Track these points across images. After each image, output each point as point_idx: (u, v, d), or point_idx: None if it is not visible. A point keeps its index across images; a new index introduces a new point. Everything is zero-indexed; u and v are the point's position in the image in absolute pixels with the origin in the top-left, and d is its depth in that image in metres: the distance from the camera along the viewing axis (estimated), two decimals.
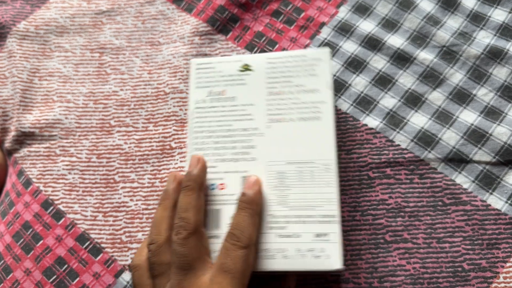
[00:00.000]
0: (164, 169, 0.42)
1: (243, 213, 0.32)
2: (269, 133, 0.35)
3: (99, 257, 0.40)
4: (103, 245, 0.40)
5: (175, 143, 0.43)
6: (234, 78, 0.38)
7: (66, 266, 0.40)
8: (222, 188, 0.34)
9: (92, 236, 0.40)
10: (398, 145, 0.40)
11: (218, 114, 0.37)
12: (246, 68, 0.38)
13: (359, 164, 0.40)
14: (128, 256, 0.39)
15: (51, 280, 0.39)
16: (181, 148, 0.42)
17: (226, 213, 0.34)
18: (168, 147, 0.43)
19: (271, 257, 0.32)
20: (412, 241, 0.38)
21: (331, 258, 0.32)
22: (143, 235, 0.40)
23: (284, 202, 0.33)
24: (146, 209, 0.41)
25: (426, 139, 0.40)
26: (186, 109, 0.44)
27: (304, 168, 0.34)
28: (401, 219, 0.38)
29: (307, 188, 0.34)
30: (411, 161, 0.40)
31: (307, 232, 0.33)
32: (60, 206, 0.41)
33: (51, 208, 0.41)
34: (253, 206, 0.32)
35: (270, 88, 0.37)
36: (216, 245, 0.33)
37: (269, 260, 0.32)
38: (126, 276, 0.39)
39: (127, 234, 0.40)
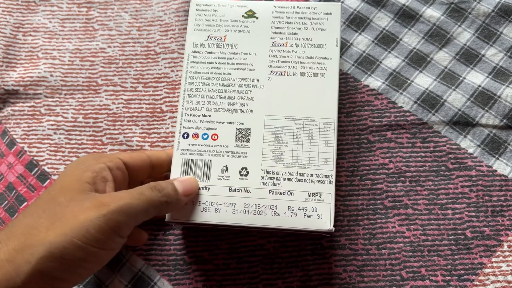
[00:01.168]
0: (154, 132, 0.40)
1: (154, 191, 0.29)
2: (269, 86, 0.34)
3: None
4: None
5: (166, 106, 0.40)
6: (237, 24, 0.35)
7: None
8: (214, 139, 0.33)
9: None
10: (401, 107, 0.38)
11: (216, 61, 0.35)
12: (250, 14, 0.35)
13: (359, 127, 0.38)
14: None
15: None
16: (173, 112, 0.40)
17: (217, 164, 0.32)
18: (158, 110, 0.40)
19: (261, 213, 0.31)
20: (412, 207, 0.36)
21: (322, 219, 0.31)
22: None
23: (279, 159, 0.32)
24: None
25: (430, 101, 0.38)
26: (178, 71, 0.41)
27: (303, 125, 0.32)
28: (401, 184, 0.37)
29: (305, 146, 0.32)
30: (414, 124, 0.38)
31: (300, 190, 0.31)
32: (45, 168, 0.39)
33: (36, 169, 0.39)
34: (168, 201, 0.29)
35: (274, 38, 0.35)
36: (205, 196, 0.31)
37: (259, 216, 0.31)
38: None
39: None
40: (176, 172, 0.32)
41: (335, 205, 0.31)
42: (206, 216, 0.31)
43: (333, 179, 0.31)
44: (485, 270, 0.34)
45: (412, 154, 0.37)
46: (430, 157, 0.37)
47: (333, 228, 0.30)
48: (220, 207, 0.31)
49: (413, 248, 0.35)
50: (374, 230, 0.36)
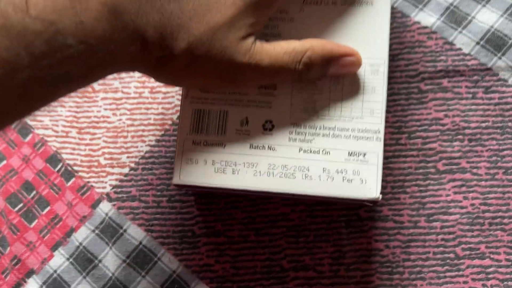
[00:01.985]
0: None
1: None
2: (300, 19, 0.27)
3: (70, 183, 0.32)
4: (76, 168, 0.33)
5: None
6: None
7: (34, 192, 0.33)
8: None
9: (64, 156, 0.33)
10: (459, 49, 0.32)
11: None
12: None
13: (408, 74, 0.32)
14: (106, 182, 0.32)
15: (16, 208, 0.32)
16: None
17: (235, 116, 0.27)
18: None
19: (290, 176, 0.26)
20: (471, 171, 0.31)
21: (366, 184, 0.26)
22: (128, 157, 0.32)
23: (312, 109, 0.27)
24: (132, 125, 0.33)
25: (496, 42, 0.32)
26: None
27: None
28: (459, 144, 0.31)
29: (345, 93, 0.26)
30: (475, 70, 0.32)
31: (339, 149, 0.26)
32: (27, 120, 0.34)
33: (17, 122, 0.33)
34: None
35: None
36: (220, 155, 0.27)
37: (287, 180, 0.26)
38: (105, 207, 0.32)
39: (107, 156, 0.32)
40: (185, 124, 0.27)
41: None
42: (221, 178, 0.26)
43: (381, 135, 0.26)
44: None
45: (473, 106, 0.31)
46: (495, 111, 0.31)
47: (380, 195, 0.25)
48: (238, 167, 0.26)
49: (471, 220, 0.30)
50: (424, 198, 0.31)
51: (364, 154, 0.26)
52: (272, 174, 0.26)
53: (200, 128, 0.27)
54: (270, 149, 0.27)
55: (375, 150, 0.26)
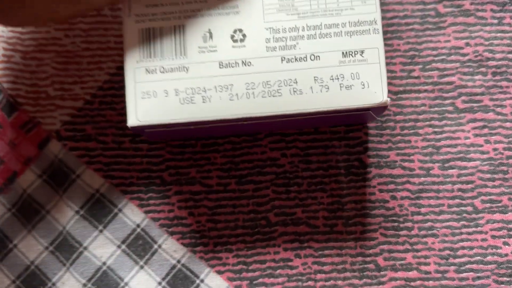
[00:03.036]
0: None
1: None
2: None
3: (13, 118, 0.28)
4: (19, 100, 0.28)
5: None
6: None
7: None
8: None
9: (5, 86, 0.28)
10: None
11: None
12: None
13: None
14: (56, 118, 0.27)
15: None
16: None
17: (194, 30, 0.23)
18: None
19: (274, 93, 0.23)
20: (495, 110, 0.27)
21: (369, 88, 0.22)
22: (82, 88, 0.27)
23: (290, 7, 0.23)
24: (87, 49, 0.28)
25: None
26: None
27: None
28: (481, 78, 0.27)
29: None
30: None
31: (330, 50, 0.23)
32: None
33: None
34: None
35: None
36: (184, 81, 0.23)
37: (271, 99, 0.23)
38: (54, 147, 0.27)
39: (57, 86, 0.27)
40: (132, 50, 0.23)
41: None
42: (190, 110, 0.22)
43: (379, 26, 0.23)
44: None
45: (499, 34, 0.27)
46: None
47: (388, 99, 0.22)
48: (209, 93, 0.23)
49: (493, 168, 0.26)
50: (439, 141, 0.27)
51: (362, 52, 0.22)
52: (252, 95, 0.23)
53: (153, 52, 0.23)
54: (245, 65, 0.23)
55: (374, 45, 0.22)
